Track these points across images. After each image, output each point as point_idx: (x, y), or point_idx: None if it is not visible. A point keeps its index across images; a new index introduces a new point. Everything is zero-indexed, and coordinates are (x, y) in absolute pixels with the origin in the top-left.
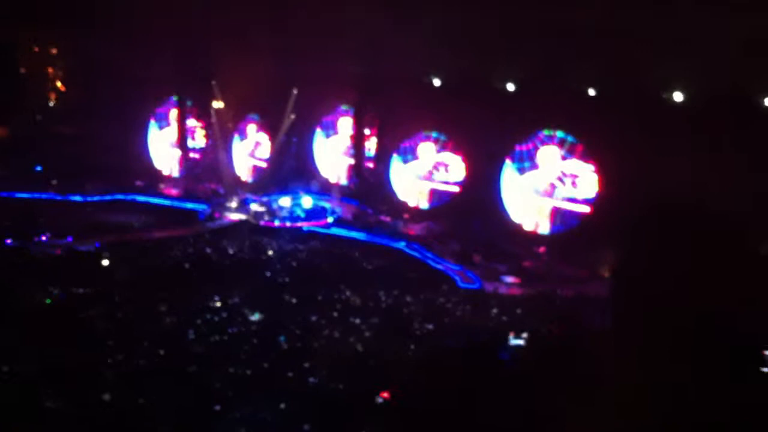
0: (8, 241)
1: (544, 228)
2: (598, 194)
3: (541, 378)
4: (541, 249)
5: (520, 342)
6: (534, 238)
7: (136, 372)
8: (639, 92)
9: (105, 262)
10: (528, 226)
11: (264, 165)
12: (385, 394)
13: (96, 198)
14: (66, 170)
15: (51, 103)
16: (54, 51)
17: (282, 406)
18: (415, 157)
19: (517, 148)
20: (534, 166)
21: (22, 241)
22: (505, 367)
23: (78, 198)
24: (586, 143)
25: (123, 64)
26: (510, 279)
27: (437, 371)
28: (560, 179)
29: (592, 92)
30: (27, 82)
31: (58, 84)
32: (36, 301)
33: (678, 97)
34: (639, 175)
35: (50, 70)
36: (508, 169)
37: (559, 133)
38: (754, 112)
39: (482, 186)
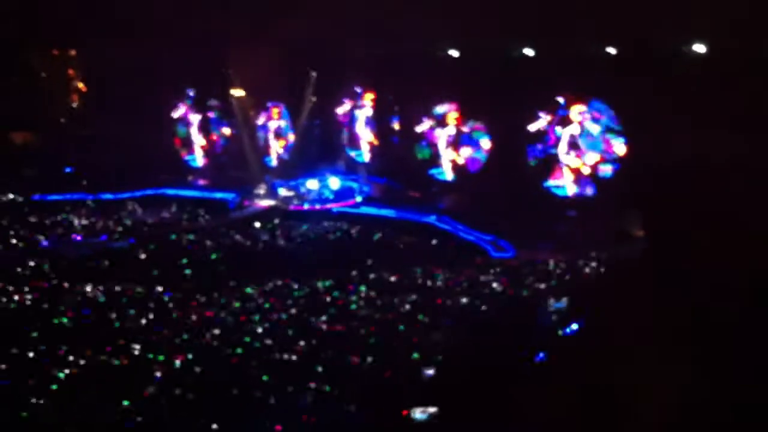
0: (44, 242)
1: (574, 191)
2: (626, 154)
3: (581, 348)
4: (572, 212)
5: (560, 307)
6: (564, 202)
7: (182, 362)
8: (661, 50)
9: (141, 258)
10: (557, 191)
11: (289, 149)
12: (431, 370)
13: (126, 195)
14: (95, 170)
15: (74, 105)
16: (73, 53)
17: (326, 386)
18: (440, 130)
19: (542, 112)
20: (559, 130)
21: (58, 243)
22: (545, 337)
23: (109, 196)
24: (611, 103)
25: (142, 60)
26: (542, 245)
27: (477, 342)
28: (586, 141)
29: (613, 51)
30: (49, 85)
31: (80, 85)
32: (75, 301)
33: (701, 53)
34: (665, 133)
35: (71, 71)
36: (534, 134)
37: (583, 95)
38: None
39: (509, 153)
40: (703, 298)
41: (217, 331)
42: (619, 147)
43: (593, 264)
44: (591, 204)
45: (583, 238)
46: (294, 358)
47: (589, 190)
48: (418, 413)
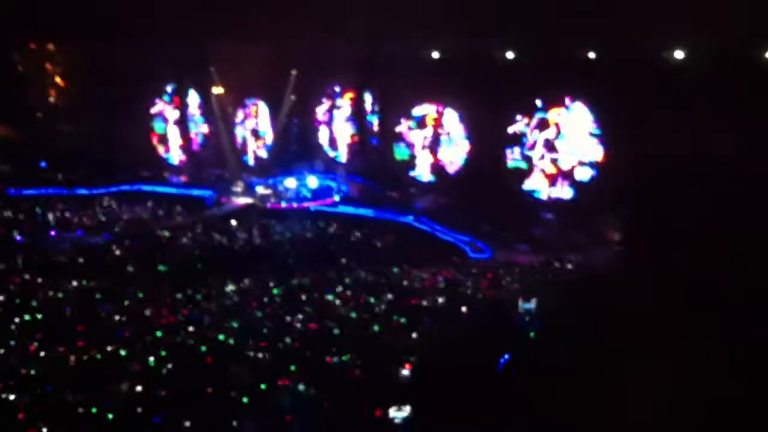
0: (18, 238)
1: (551, 194)
2: (603, 158)
3: (556, 346)
4: (549, 215)
5: (532, 307)
6: (541, 204)
7: (155, 361)
8: (639, 52)
9: (116, 254)
10: (534, 193)
11: (267, 147)
12: (408, 367)
13: (102, 190)
14: (71, 165)
15: (51, 99)
16: (51, 47)
17: (302, 386)
18: (418, 131)
19: (521, 115)
20: (537, 133)
21: (33, 237)
22: (520, 335)
23: (84, 191)
24: (589, 106)
25: (121, 55)
26: (520, 247)
27: (453, 343)
28: (564, 144)
29: (592, 55)
30: (26, 79)
31: (57, 80)
32: (50, 297)
33: (679, 55)
34: (643, 138)
35: (48, 66)
36: (513, 137)
37: (562, 98)
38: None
39: (487, 155)
40: (686, 299)
41: (191, 329)
42: (597, 151)
43: (570, 266)
44: (568, 207)
45: (560, 241)
46: (269, 356)
47: (567, 193)
48: (393, 412)
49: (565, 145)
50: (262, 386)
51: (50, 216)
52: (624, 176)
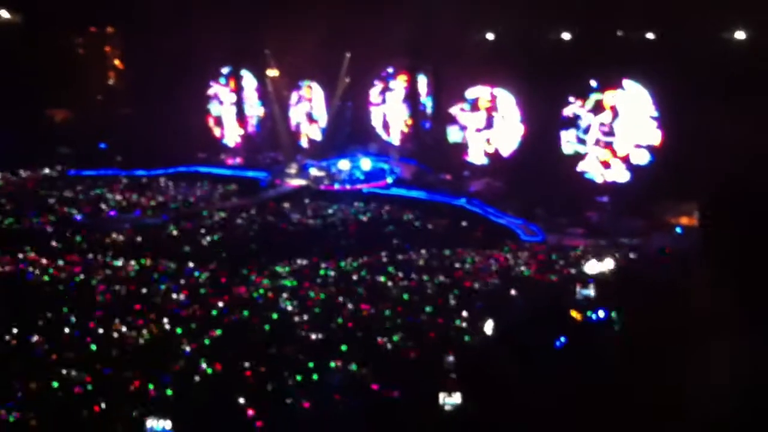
0: (78, 217)
1: (606, 177)
2: (661, 142)
3: (612, 332)
4: (604, 199)
5: (587, 293)
6: (596, 188)
7: (212, 340)
8: (699, 33)
9: (173, 234)
10: (589, 176)
11: (321, 130)
12: (452, 354)
13: (160, 171)
14: (129, 146)
15: (110, 82)
16: (110, 30)
17: (351, 367)
18: (472, 113)
19: (575, 97)
20: (592, 115)
21: (92, 218)
22: (573, 321)
23: (142, 172)
24: (646, 88)
25: (178, 38)
26: (573, 230)
27: (504, 328)
28: (620, 126)
29: (649, 34)
30: (86, 63)
31: (116, 62)
32: (108, 276)
33: (740, 35)
34: (703, 121)
35: (108, 49)
36: (567, 120)
37: (618, 79)
38: None
39: (541, 138)
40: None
41: (246, 308)
42: (653, 133)
43: (623, 251)
44: (623, 191)
45: (614, 225)
46: (321, 336)
47: (622, 177)
48: (443, 398)
49: (621, 127)
50: (312, 365)
51: (109, 196)
52: (682, 160)
